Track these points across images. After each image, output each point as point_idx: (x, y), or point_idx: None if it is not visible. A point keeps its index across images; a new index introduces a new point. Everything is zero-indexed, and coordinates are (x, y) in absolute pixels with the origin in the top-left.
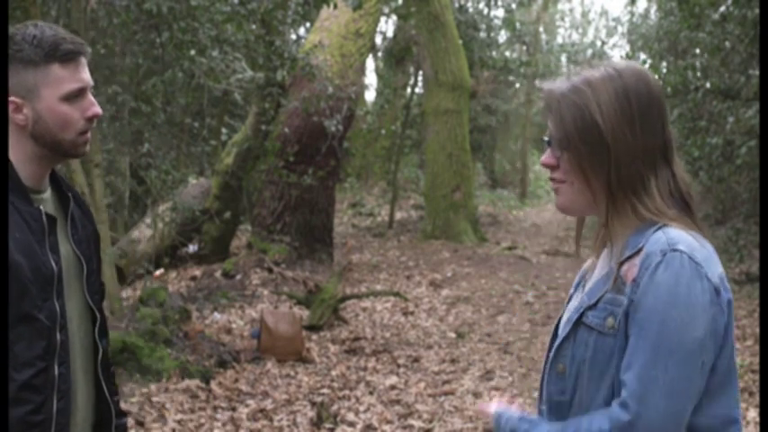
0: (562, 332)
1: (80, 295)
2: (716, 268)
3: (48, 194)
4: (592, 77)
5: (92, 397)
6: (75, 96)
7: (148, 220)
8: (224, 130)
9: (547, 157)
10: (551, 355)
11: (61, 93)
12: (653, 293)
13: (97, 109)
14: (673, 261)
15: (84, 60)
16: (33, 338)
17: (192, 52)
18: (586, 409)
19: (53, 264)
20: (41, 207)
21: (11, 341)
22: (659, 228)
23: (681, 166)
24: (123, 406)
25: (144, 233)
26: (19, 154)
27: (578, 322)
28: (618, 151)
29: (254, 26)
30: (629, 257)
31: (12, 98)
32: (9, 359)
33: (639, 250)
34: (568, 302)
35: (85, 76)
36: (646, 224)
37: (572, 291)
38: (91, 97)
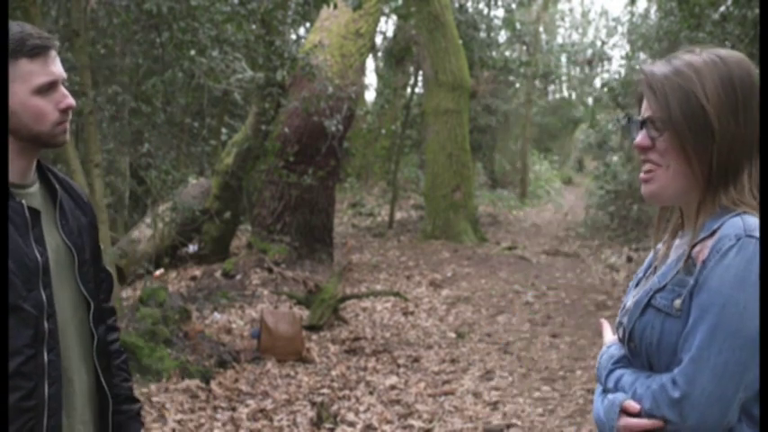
0: (632, 315)
1: (73, 284)
2: None
3: (35, 188)
4: (696, 62)
5: (92, 384)
6: (47, 89)
7: (148, 220)
8: (224, 130)
9: (642, 137)
10: (623, 337)
11: (32, 86)
12: (719, 275)
13: (70, 100)
14: (747, 246)
15: (53, 54)
16: (20, 327)
17: (192, 52)
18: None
19: (38, 255)
20: (23, 201)
21: None
22: (738, 214)
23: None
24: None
25: (144, 233)
26: None
27: (648, 304)
28: (722, 138)
29: (254, 26)
30: (703, 240)
31: None
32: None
33: (714, 233)
34: (633, 289)
35: (55, 69)
36: (726, 211)
37: (640, 274)
38: (63, 89)
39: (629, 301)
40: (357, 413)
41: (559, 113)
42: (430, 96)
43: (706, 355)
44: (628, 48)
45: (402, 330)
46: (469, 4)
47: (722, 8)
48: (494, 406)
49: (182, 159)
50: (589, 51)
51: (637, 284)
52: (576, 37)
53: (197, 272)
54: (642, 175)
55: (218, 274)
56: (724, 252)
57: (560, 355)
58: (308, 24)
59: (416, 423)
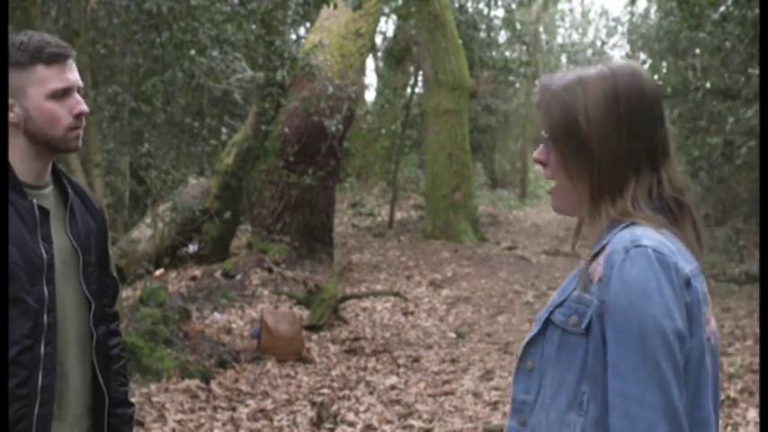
0: (533, 329)
1: (76, 284)
2: (686, 262)
3: (49, 190)
4: (586, 76)
5: (87, 381)
6: (61, 95)
7: (148, 220)
8: (224, 130)
9: (539, 152)
10: (521, 352)
11: (46, 91)
12: (625, 293)
13: (83, 107)
14: (638, 257)
15: (70, 62)
16: (21, 319)
17: (192, 52)
18: (548, 409)
19: (43, 252)
20: (34, 200)
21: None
22: (626, 226)
23: (674, 169)
24: None
25: (144, 233)
26: (16, 151)
27: (548, 320)
28: (601, 154)
29: (254, 26)
30: (596, 256)
31: None
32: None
33: (604, 248)
34: None
35: (71, 76)
36: (616, 223)
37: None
38: (77, 96)
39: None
40: (357, 413)
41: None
42: (430, 96)
43: (646, 373)
44: (628, 48)
45: (402, 330)
46: (469, 4)
47: (722, 8)
48: (494, 406)
49: (182, 159)
50: (589, 51)
51: None
52: (576, 37)
53: (197, 272)
54: (548, 189)
55: (218, 274)
56: (619, 267)
57: None
58: (308, 24)
59: (416, 423)
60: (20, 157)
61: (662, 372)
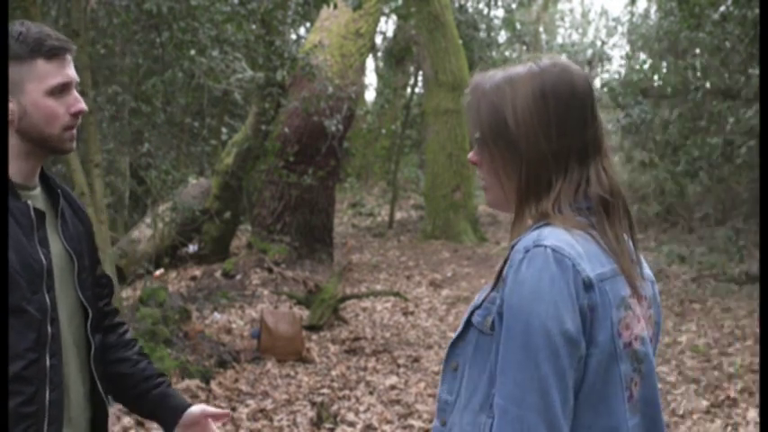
0: (456, 332)
1: (72, 291)
2: (592, 265)
3: (37, 191)
4: (515, 75)
5: (86, 392)
6: (60, 91)
7: (148, 220)
8: (224, 130)
9: (472, 154)
10: (446, 352)
11: (46, 87)
12: (517, 292)
13: (82, 105)
14: (536, 257)
15: (69, 58)
16: (23, 330)
17: (192, 52)
18: (463, 410)
19: (42, 257)
20: (29, 202)
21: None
22: (539, 227)
23: (606, 166)
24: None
25: (144, 233)
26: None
27: (468, 321)
28: (529, 155)
29: (254, 26)
30: (509, 256)
31: None
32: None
33: (512, 248)
34: None
35: (70, 72)
36: (535, 224)
37: None
38: (76, 93)
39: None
40: (357, 413)
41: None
42: (430, 96)
43: (527, 375)
44: (628, 48)
45: (402, 330)
46: (469, 4)
47: (722, 8)
48: None
49: (182, 159)
50: (589, 51)
51: None
52: (576, 37)
53: (197, 272)
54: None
55: (218, 274)
56: (516, 267)
57: None
58: (308, 24)
59: (416, 423)
60: (12, 157)
61: (542, 374)
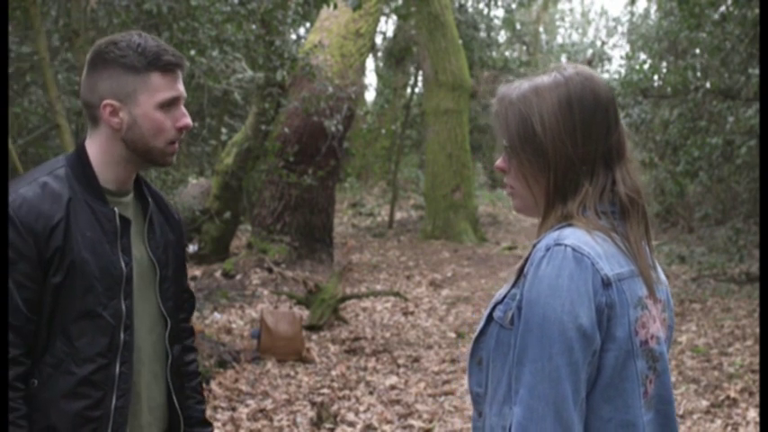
0: (478, 327)
1: (152, 300)
2: (611, 265)
3: (129, 198)
4: (541, 84)
5: (162, 403)
6: (169, 105)
7: None
8: (224, 130)
9: (500, 162)
10: (470, 347)
11: (157, 100)
12: (536, 288)
13: (188, 120)
14: (555, 254)
15: (180, 74)
16: (96, 335)
17: (192, 52)
18: (491, 402)
19: (123, 264)
20: (116, 209)
21: (73, 336)
22: (560, 227)
23: (629, 169)
24: None
25: None
26: (106, 156)
27: (489, 316)
28: (557, 161)
29: (254, 26)
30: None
31: (110, 101)
32: (70, 353)
33: (534, 247)
34: None
35: (181, 87)
36: (558, 225)
37: None
38: (183, 109)
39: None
40: (357, 413)
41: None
42: (430, 96)
43: (540, 366)
44: (628, 48)
45: (402, 330)
46: (469, 4)
47: (722, 8)
48: None
49: (182, 159)
50: (589, 51)
51: None
52: (576, 37)
53: (197, 272)
54: (507, 189)
55: (218, 274)
56: (537, 264)
57: None
58: (308, 24)
59: (416, 423)
60: (109, 163)
61: (555, 366)
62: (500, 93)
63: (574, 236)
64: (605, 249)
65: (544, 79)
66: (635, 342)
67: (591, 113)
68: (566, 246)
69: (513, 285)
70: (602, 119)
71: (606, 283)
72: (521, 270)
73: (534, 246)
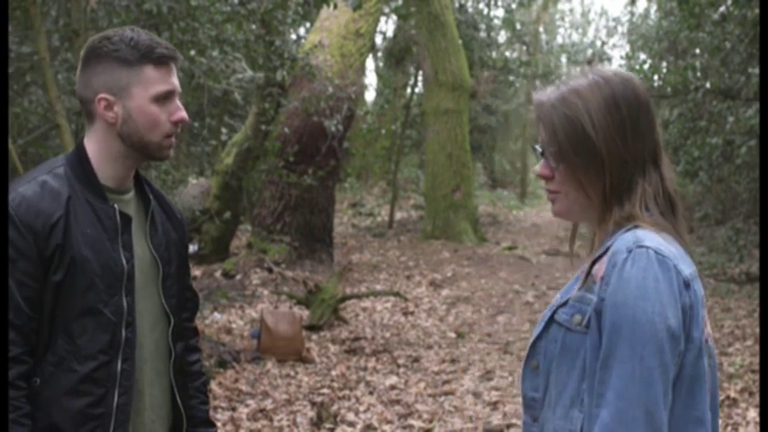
0: (536, 330)
1: (155, 297)
2: (685, 265)
3: (130, 195)
4: (580, 87)
5: (165, 401)
6: (164, 99)
7: None
8: (224, 130)
9: (542, 168)
10: (527, 351)
11: (151, 93)
12: (622, 290)
13: (183, 114)
14: (639, 256)
15: (174, 67)
16: (97, 332)
17: (192, 52)
18: (554, 406)
19: (124, 261)
20: (116, 206)
21: (75, 333)
22: (629, 229)
23: (669, 167)
24: None
25: None
26: (104, 152)
27: (551, 320)
28: (611, 159)
29: (254, 26)
30: (600, 257)
31: (104, 96)
32: (72, 351)
33: (608, 249)
34: None
35: (175, 80)
36: (621, 226)
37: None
38: (178, 102)
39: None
40: (357, 413)
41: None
42: (430, 96)
43: (631, 367)
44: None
45: (402, 330)
46: (469, 4)
47: (722, 8)
48: (494, 406)
49: (182, 159)
50: (589, 51)
51: None
52: (576, 37)
53: (197, 272)
54: (549, 196)
55: (218, 274)
56: (620, 266)
57: None
58: (308, 24)
59: (416, 423)
60: (107, 159)
61: (647, 368)
62: (536, 99)
63: (650, 238)
64: (676, 250)
65: (581, 82)
66: (702, 340)
67: (636, 111)
68: (647, 248)
69: (580, 288)
70: (645, 116)
71: (686, 285)
72: (588, 272)
73: (607, 249)
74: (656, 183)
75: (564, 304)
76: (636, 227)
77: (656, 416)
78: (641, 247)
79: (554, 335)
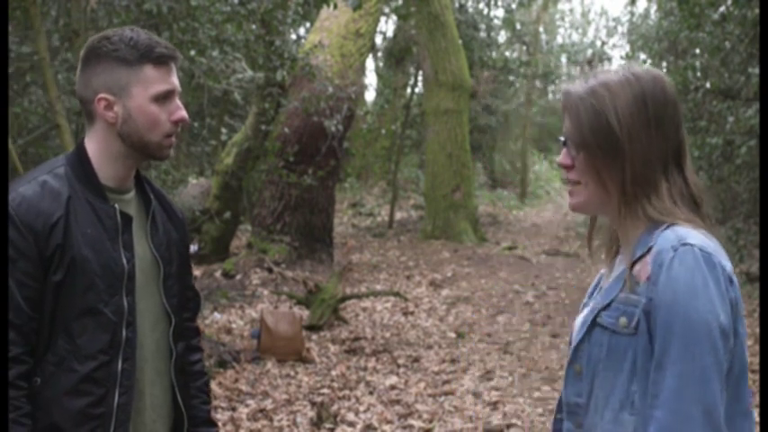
0: (578, 334)
1: (156, 297)
2: (726, 261)
3: (131, 195)
4: (610, 81)
5: (166, 400)
6: (164, 98)
7: None
8: (224, 130)
9: (563, 157)
10: (569, 357)
11: (151, 93)
12: (672, 289)
13: (183, 113)
14: (685, 255)
15: (174, 66)
16: (97, 332)
17: (192, 52)
18: (602, 411)
19: (124, 261)
20: (116, 206)
21: (75, 333)
22: (668, 227)
23: (692, 169)
24: None
25: None
26: (104, 152)
27: (593, 323)
28: (633, 154)
29: (254, 26)
30: (641, 257)
31: (104, 96)
32: (72, 351)
33: (650, 249)
34: (583, 309)
35: (175, 80)
36: (656, 225)
37: (586, 299)
38: (178, 102)
39: (579, 319)
40: (357, 413)
41: (559, 113)
42: (430, 96)
43: (687, 368)
44: (628, 48)
45: (402, 330)
46: (469, 4)
47: (722, 8)
48: (494, 406)
49: (182, 159)
50: (589, 51)
51: (584, 307)
52: (576, 37)
53: (197, 272)
54: (568, 187)
55: (218, 274)
56: (668, 265)
57: (560, 355)
58: (308, 24)
59: (416, 423)
60: (108, 159)
61: (702, 367)
62: (565, 89)
63: (693, 235)
64: (717, 246)
65: (611, 76)
66: (745, 334)
67: (663, 110)
68: (692, 245)
69: (622, 290)
70: (672, 116)
71: (731, 281)
72: (631, 274)
73: (649, 249)
74: (679, 183)
75: (607, 307)
76: (673, 224)
77: (714, 414)
78: (686, 244)
79: (598, 338)
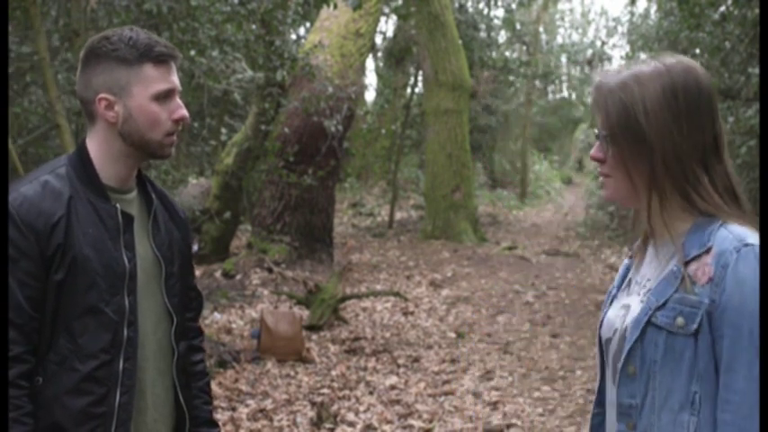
0: (631, 334)
1: (158, 296)
2: None
3: (133, 195)
4: (641, 73)
5: (168, 400)
6: (164, 97)
7: None
8: (224, 130)
9: (595, 150)
10: (623, 357)
11: (151, 92)
12: (739, 292)
13: (184, 112)
14: (748, 255)
15: (174, 65)
16: (99, 331)
17: (192, 52)
18: (659, 411)
19: (125, 260)
20: (117, 205)
21: (77, 332)
22: (721, 225)
23: (731, 162)
24: None
25: None
26: (105, 152)
27: (648, 323)
28: (663, 149)
29: (254, 26)
30: (697, 256)
31: (104, 95)
32: (74, 350)
33: (709, 249)
34: (611, 302)
35: (175, 79)
36: (703, 221)
37: (614, 290)
38: (179, 100)
39: (612, 312)
40: (357, 413)
41: (559, 113)
42: (430, 96)
43: (756, 371)
44: (628, 48)
45: (402, 330)
46: (469, 4)
47: (722, 8)
48: (494, 406)
49: (182, 159)
50: (589, 51)
51: (612, 300)
52: (576, 37)
53: (197, 272)
54: (601, 179)
55: (218, 274)
56: (733, 267)
57: (560, 355)
58: (308, 24)
59: (416, 423)
60: (109, 159)
61: None
62: (597, 82)
63: (750, 234)
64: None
65: (643, 68)
66: None
67: (696, 103)
68: (752, 245)
69: (678, 291)
70: (706, 108)
71: None
72: (685, 274)
73: (708, 249)
74: (721, 176)
75: (661, 307)
76: (725, 222)
77: None
78: (747, 245)
79: (653, 338)
